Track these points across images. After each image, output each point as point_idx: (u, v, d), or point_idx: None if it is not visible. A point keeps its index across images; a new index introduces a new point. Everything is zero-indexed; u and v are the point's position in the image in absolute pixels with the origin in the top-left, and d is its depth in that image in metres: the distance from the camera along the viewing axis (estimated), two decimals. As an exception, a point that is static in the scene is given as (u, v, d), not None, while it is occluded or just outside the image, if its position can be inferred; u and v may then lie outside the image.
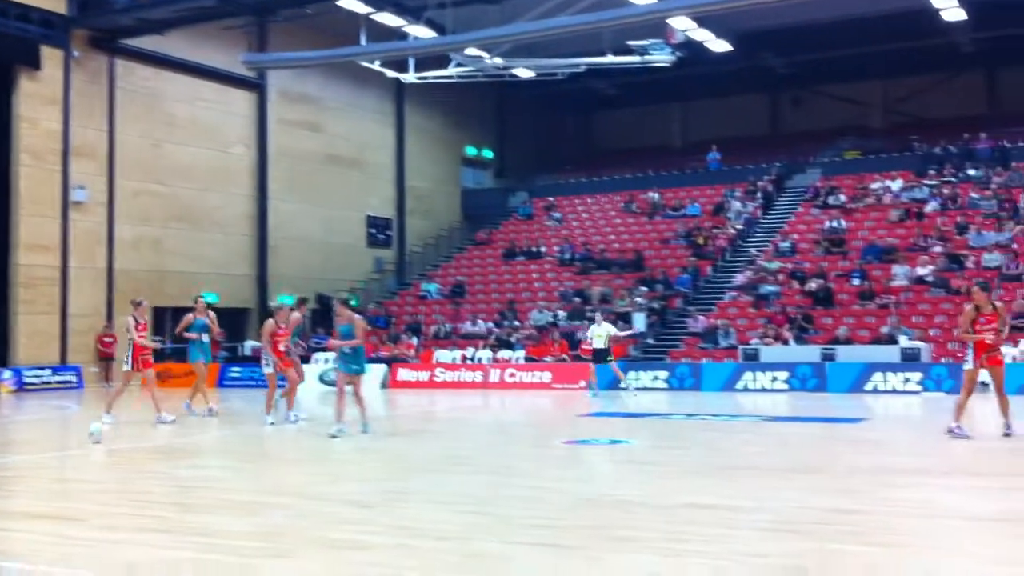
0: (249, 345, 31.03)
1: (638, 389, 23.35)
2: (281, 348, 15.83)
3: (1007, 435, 12.78)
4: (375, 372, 26.80)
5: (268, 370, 15.83)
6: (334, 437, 12.90)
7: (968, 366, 13.11)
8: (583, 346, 24.47)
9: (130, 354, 16.10)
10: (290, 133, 35.32)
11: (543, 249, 35.65)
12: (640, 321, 27.75)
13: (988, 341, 12.93)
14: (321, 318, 32.44)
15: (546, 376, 25.82)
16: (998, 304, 13.46)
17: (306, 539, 7.18)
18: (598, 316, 23.91)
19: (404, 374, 27.22)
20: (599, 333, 22.84)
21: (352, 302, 15.30)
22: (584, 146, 47.51)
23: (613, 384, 23.50)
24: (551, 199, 39.71)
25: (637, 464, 11.30)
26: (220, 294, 31.98)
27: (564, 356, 26.63)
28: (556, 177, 42.63)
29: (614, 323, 24.86)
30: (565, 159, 44.93)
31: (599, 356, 22.90)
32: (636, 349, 27.35)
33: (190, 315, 17.43)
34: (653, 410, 19.10)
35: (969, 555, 6.44)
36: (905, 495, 8.82)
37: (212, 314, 18.03)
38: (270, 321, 15.95)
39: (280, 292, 33.80)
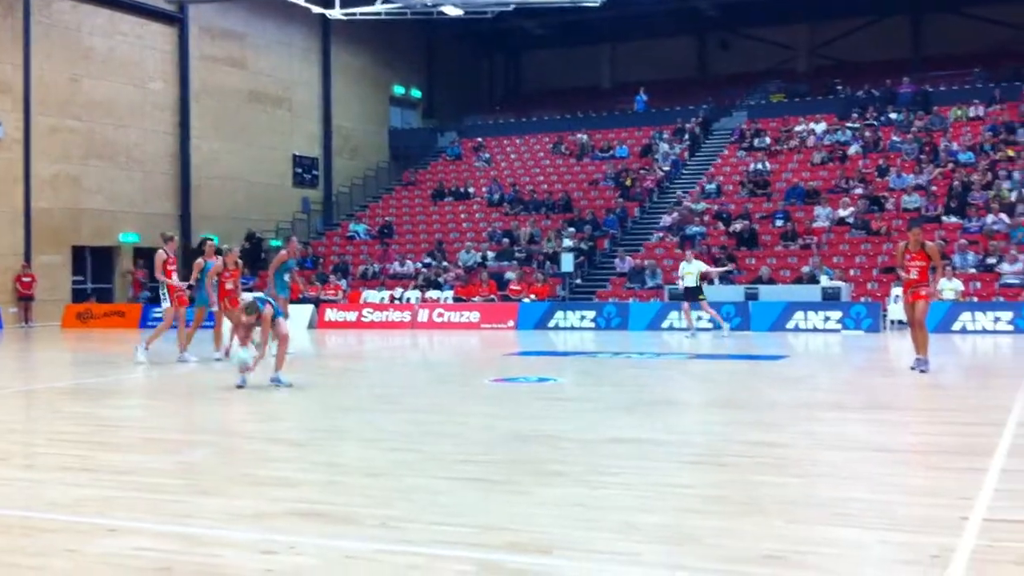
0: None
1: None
2: (228, 287, 15.91)
3: (922, 371, 13.08)
4: (303, 312, 26.60)
5: (214, 308, 16.21)
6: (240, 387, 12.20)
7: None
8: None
9: (166, 291, 16.16)
10: (212, 69, 34.49)
11: (471, 190, 35.52)
12: (568, 262, 27.86)
13: (911, 277, 13.29)
14: (248, 257, 31.86)
15: (474, 316, 25.86)
16: (927, 244, 13.68)
17: (231, 476, 7.13)
18: (688, 253, 22.54)
19: (332, 314, 27.06)
20: (689, 271, 21.63)
21: (273, 243, 15.24)
22: (513, 86, 47.28)
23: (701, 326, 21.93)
24: (479, 139, 39.49)
25: (564, 401, 11.38)
26: (141, 234, 31.43)
27: (492, 296, 26.68)
28: (485, 117, 42.37)
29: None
30: (494, 99, 44.69)
31: (690, 295, 21.76)
32: (563, 289, 27.52)
33: (200, 259, 17.10)
34: (580, 349, 19.27)
35: (886, 486, 6.62)
36: (824, 428, 9.03)
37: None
38: (218, 262, 16.05)
39: (204, 232, 33.29)
